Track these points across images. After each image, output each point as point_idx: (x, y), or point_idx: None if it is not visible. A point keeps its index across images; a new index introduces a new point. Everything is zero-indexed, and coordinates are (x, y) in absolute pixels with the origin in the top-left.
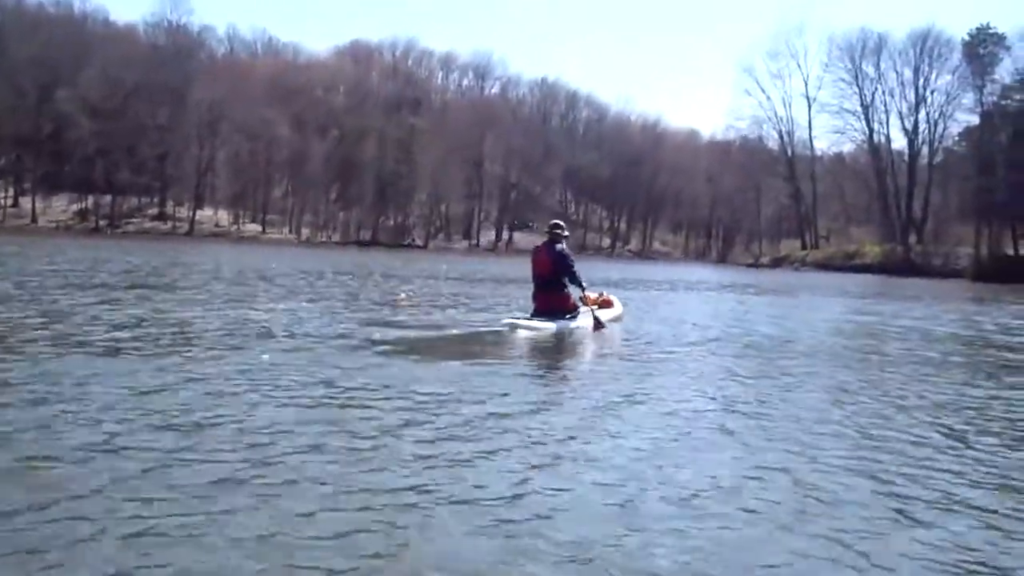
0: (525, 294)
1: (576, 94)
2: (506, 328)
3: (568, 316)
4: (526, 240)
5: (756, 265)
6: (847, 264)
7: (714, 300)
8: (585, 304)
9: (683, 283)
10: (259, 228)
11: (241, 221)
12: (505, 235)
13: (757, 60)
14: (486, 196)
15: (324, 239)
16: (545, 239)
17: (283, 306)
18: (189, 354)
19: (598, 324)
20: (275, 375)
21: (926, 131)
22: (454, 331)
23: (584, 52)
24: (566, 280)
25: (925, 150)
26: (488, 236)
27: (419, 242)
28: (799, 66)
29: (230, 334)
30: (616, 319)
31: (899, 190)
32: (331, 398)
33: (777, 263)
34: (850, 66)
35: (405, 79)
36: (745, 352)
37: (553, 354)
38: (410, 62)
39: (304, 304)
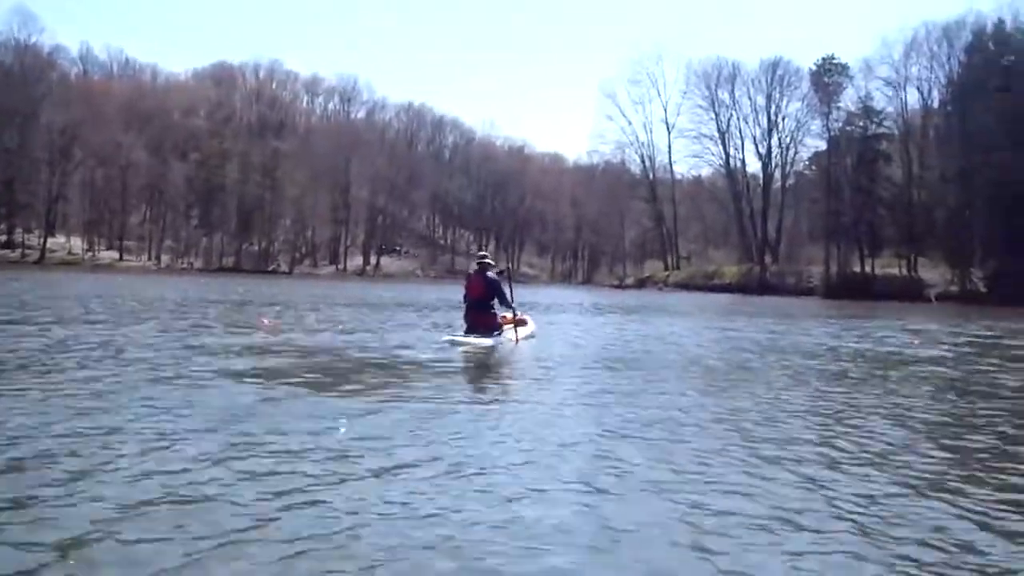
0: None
1: (442, 119)
2: (446, 344)
3: (496, 333)
4: (394, 265)
5: (621, 286)
6: (707, 284)
7: (590, 321)
8: (504, 323)
9: (556, 305)
10: (116, 255)
11: (96, 248)
12: (373, 260)
13: (619, 86)
14: (353, 221)
15: (185, 266)
16: (475, 268)
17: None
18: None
19: (517, 340)
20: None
21: (778, 155)
22: (401, 351)
23: (450, 77)
24: (495, 302)
25: (778, 174)
26: (355, 261)
27: (284, 268)
28: (659, 93)
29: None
30: (531, 336)
31: (754, 212)
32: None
33: (641, 284)
34: (707, 93)
35: (269, 102)
36: (633, 366)
37: (487, 369)
38: (274, 85)
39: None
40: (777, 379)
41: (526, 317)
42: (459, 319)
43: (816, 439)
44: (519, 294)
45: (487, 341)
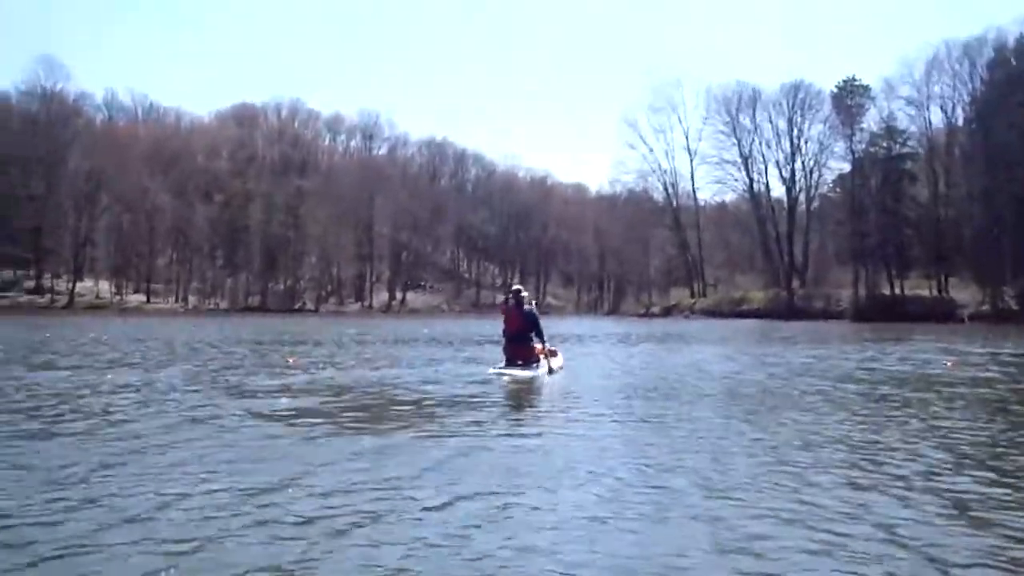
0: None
1: (464, 153)
2: (493, 376)
3: (534, 364)
4: (420, 300)
5: (647, 315)
6: (734, 310)
7: (622, 352)
8: (539, 354)
9: (586, 336)
10: (143, 298)
11: (124, 291)
12: (399, 295)
13: (639, 114)
14: (377, 257)
15: (212, 306)
16: (510, 301)
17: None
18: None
19: (551, 371)
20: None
21: (802, 179)
22: (451, 383)
23: (471, 111)
24: (532, 335)
25: (802, 197)
26: (381, 297)
27: (310, 306)
28: (680, 120)
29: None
30: (561, 367)
31: (780, 236)
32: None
33: (667, 312)
34: (727, 118)
35: (291, 141)
36: (671, 395)
37: (527, 401)
38: (296, 124)
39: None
40: (817, 404)
41: (555, 349)
42: (491, 353)
43: (861, 463)
44: (546, 325)
45: (528, 373)
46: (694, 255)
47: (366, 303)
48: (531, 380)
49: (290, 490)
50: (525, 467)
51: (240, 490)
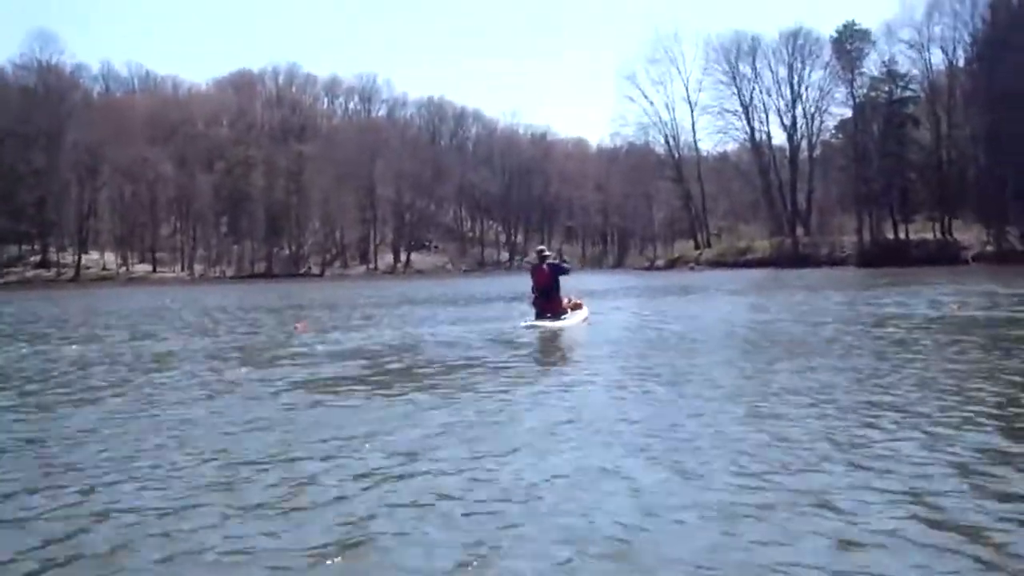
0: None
1: (464, 111)
2: (527, 327)
3: (563, 316)
4: (425, 261)
5: (652, 268)
6: (740, 260)
7: (643, 303)
8: (567, 307)
9: (601, 291)
10: (149, 268)
11: (130, 262)
12: (403, 257)
13: (638, 67)
14: (380, 219)
15: (217, 274)
16: (535, 261)
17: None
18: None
19: (587, 320)
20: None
21: (804, 126)
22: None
23: (469, 69)
24: (558, 288)
25: (804, 144)
26: (386, 259)
27: (315, 270)
28: (679, 70)
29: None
30: (586, 319)
31: (783, 184)
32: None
33: (672, 264)
34: (727, 68)
35: (290, 106)
36: (705, 347)
37: (563, 355)
38: (294, 89)
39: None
40: (843, 350)
41: (580, 301)
42: (521, 307)
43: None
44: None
45: (557, 323)
46: (697, 206)
47: (371, 265)
48: (561, 330)
49: (365, 446)
50: (566, 422)
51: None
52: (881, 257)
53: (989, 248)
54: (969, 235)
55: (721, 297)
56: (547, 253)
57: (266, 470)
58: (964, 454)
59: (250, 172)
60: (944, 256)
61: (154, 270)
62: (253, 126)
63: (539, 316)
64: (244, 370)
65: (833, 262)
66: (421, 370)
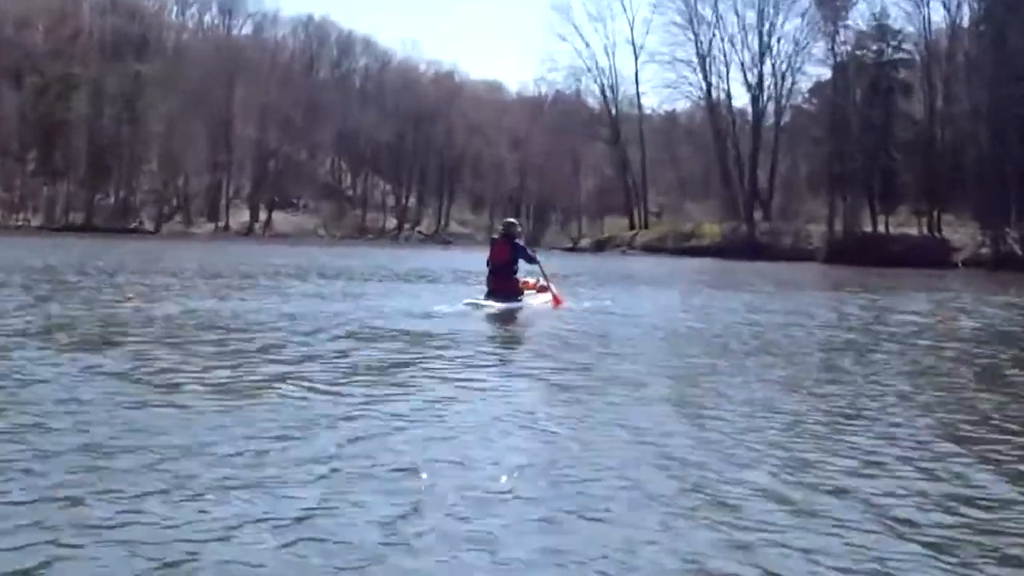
0: None
1: (351, 36)
2: (467, 308)
3: (517, 298)
4: (290, 222)
5: (576, 249)
6: (683, 246)
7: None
8: (527, 288)
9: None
10: None
11: None
12: (263, 216)
13: None
14: (236, 166)
15: (21, 223)
16: (501, 234)
17: None
18: None
19: (558, 301)
20: None
21: (772, 86)
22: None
23: None
24: (517, 268)
25: (771, 108)
26: (241, 217)
27: (149, 226)
28: (623, 6)
29: None
30: (552, 303)
31: (741, 156)
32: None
33: (601, 246)
34: (683, 8)
35: (127, 13)
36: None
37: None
38: None
39: None
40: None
41: (548, 285)
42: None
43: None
44: (450, 259)
45: (505, 304)
46: (635, 177)
47: (220, 223)
48: (508, 312)
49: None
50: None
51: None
52: (854, 253)
53: (984, 251)
54: (962, 234)
55: (666, 292)
56: (518, 229)
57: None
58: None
59: (71, 94)
60: (929, 257)
61: None
62: (78, 35)
63: (489, 296)
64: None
65: (796, 256)
66: (277, 358)
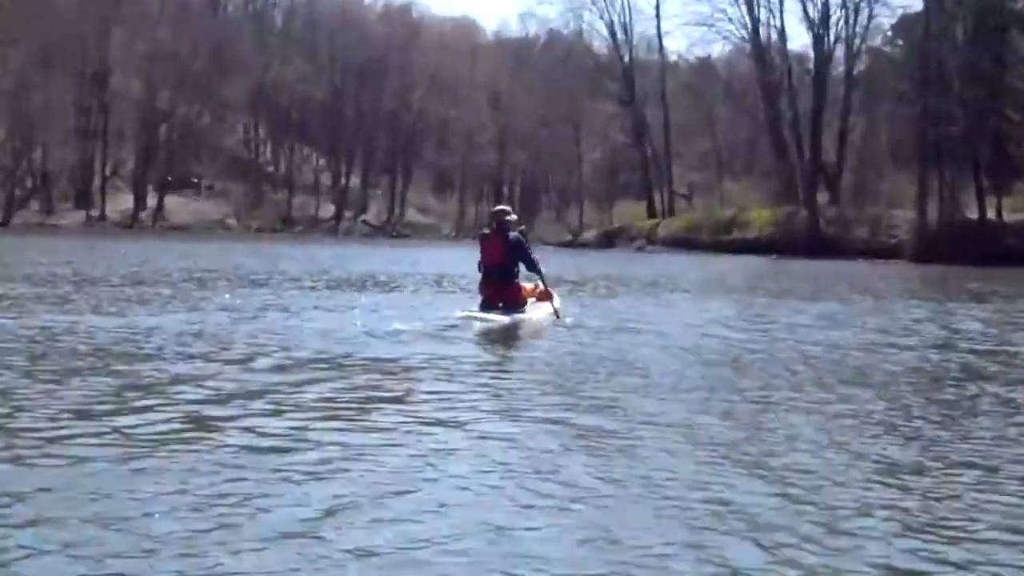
0: None
1: None
2: (460, 320)
3: (521, 309)
4: (189, 210)
5: (576, 243)
6: (721, 240)
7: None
8: (528, 295)
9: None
10: None
11: None
12: (152, 201)
13: None
14: (115, 134)
15: None
16: (491, 226)
17: None
18: None
19: (557, 315)
20: None
21: (841, 22)
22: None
23: None
24: (518, 271)
25: (840, 53)
26: (121, 204)
27: None
28: None
29: None
30: (557, 314)
31: (800, 119)
32: None
33: (609, 240)
34: None
35: None
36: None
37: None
38: None
39: None
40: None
41: (551, 290)
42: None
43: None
44: (407, 254)
45: (508, 318)
46: (656, 146)
47: (93, 211)
48: (512, 327)
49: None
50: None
51: None
52: (954, 247)
53: None
54: None
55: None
56: (510, 218)
57: None
58: None
59: None
60: None
61: None
62: None
63: (486, 306)
64: None
65: (874, 251)
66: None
